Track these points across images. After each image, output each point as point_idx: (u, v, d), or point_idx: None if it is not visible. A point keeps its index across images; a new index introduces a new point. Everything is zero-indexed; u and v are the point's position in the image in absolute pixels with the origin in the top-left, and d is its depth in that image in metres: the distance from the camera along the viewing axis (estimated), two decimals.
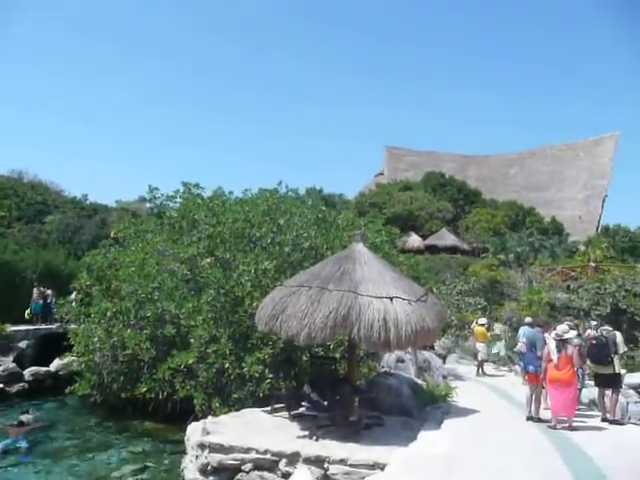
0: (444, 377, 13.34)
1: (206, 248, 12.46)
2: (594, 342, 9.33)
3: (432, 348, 18.88)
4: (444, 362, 18.44)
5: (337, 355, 11.10)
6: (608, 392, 9.39)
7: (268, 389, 10.16)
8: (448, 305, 25.82)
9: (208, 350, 10.67)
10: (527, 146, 68.13)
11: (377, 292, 7.48)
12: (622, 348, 9.47)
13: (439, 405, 10.02)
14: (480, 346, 15.87)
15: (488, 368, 16.13)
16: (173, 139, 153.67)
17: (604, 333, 9.50)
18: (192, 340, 11.03)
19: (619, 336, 9.50)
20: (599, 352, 9.17)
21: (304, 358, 11.34)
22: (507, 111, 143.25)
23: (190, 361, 10.78)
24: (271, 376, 10.32)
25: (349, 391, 8.38)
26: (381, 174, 67.83)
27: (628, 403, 13.07)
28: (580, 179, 56.72)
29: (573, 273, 27.66)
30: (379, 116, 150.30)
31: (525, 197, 54.86)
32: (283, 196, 14.82)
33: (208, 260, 12.11)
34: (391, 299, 7.41)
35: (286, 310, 7.56)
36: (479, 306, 25.94)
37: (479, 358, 15.88)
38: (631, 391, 14.26)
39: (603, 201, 54.48)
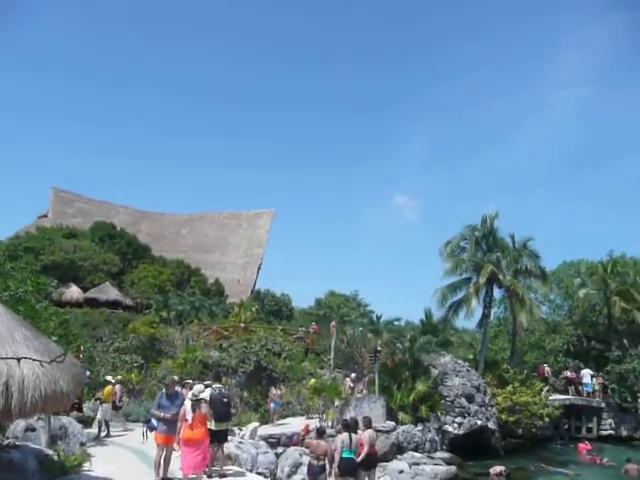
0: (82, 444, 12.38)
1: None
2: (224, 400, 9.96)
3: (80, 410, 17.52)
4: (91, 426, 17.27)
5: None
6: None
7: None
8: (103, 363, 24.49)
9: None
10: (199, 209, 72.10)
11: (2, 352, 6.58)
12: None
13: (70, 477, 9.20)
14: (104, 407, 15.96)
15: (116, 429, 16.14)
16: None
17: (223, 391, 10.25)
18: None
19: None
20: (228, 409, 9.89)
21: None
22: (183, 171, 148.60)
23: None
24: None
25: None
26: (45, 216, 61.33)
27: (258, 454, 14.41)
28: (241, 246, 62.42)
29: (226, 332, 29.83)
30: (47, 154, 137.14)
31: (193, 258, 57.15)
32: None
33: None
34: (19, 360, 6.61)
35: None
36: (136, 364, 25.37)
37: (100, 418, 15.87)
38: (262, 442, 15.76)
39: (259, 268, 60.85)
